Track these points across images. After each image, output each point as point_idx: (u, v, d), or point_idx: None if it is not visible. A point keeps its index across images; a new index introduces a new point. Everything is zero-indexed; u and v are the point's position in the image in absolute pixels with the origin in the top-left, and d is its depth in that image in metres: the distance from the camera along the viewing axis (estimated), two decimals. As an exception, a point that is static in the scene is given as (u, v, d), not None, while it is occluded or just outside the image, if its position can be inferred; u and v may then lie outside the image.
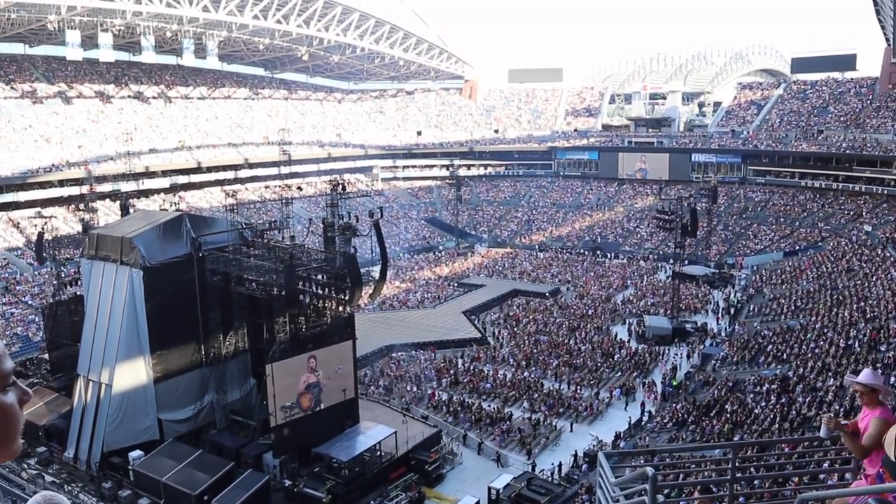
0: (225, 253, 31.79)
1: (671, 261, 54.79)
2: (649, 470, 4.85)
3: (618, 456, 15.56)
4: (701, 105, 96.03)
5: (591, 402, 36.66)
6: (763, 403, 30.49)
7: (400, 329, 49.07)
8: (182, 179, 70.20)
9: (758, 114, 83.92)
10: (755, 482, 18.90)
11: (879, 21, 70.29)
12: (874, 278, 44.48)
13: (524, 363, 42.22)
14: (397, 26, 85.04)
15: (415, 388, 39.07)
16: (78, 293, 38.72)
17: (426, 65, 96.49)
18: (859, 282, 44.94)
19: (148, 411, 30.97)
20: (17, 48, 72.24)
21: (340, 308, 31.23)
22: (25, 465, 30.97)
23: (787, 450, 10.77)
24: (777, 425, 27.49)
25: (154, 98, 79.20)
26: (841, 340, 34.85)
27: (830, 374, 31.19)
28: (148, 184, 66.77)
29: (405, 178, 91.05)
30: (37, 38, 69.78)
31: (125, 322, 30.47)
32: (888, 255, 48.26)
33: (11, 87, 68.17)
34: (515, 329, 49.25)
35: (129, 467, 29.08)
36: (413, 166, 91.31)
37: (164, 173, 69.07)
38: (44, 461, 31.50)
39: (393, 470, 29.92)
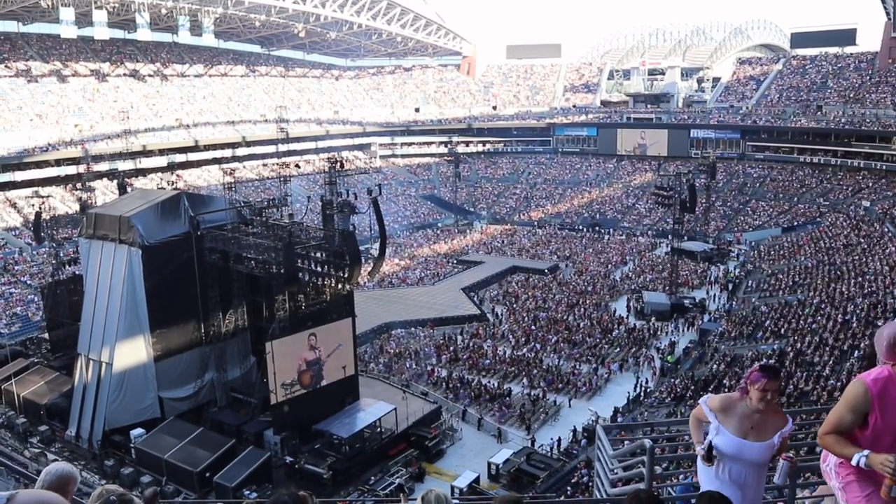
0: (223, 231, 31.76)
1: (670, 237, 54.84)
2: (647, 442, 4.89)
3: (616, 430, 15.68)
4: (700, 81, 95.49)
5: (590, 377, 36.85)
6: (761, 378, 30.56)
7: (399, 306, 49.17)
8: (179, 158, 69.88)
9: (757, 89, 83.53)
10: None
11: (880, -6, 69.76)
12: (872, 253, 44.56)
13: (523, 339, 42.36)
14: (395, 2, 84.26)
15: (414, 365, 39.24)
16: (77, 272, 38.73)
17: (424, 41, 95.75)
18: (857, 257, 45.03)
19: (148, 389, 31.11)
20: (10, 26, 71.49)
21: (340, 286, 31.31)
22: (28, 444, 31.16)
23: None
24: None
25: (150, 76, 78.63)
26: (839, 315, 34.99)
27: (828, 348, 31.35)
28: (145, 162, 66.51)
29: (403, 156, 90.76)
30: (30, 16, 69.05)
31: (125, 301, 30.51)
32: (886, 230, 48.30)
33: (6, 66, 67.57)
34: (514, 306, 49.35)
35: (131, 445, 29.29)
36: (411, 143, 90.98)
37: (162, 152, 68.75)
38: (46, 440, 31.68)
39: (393, 446, 30.11)
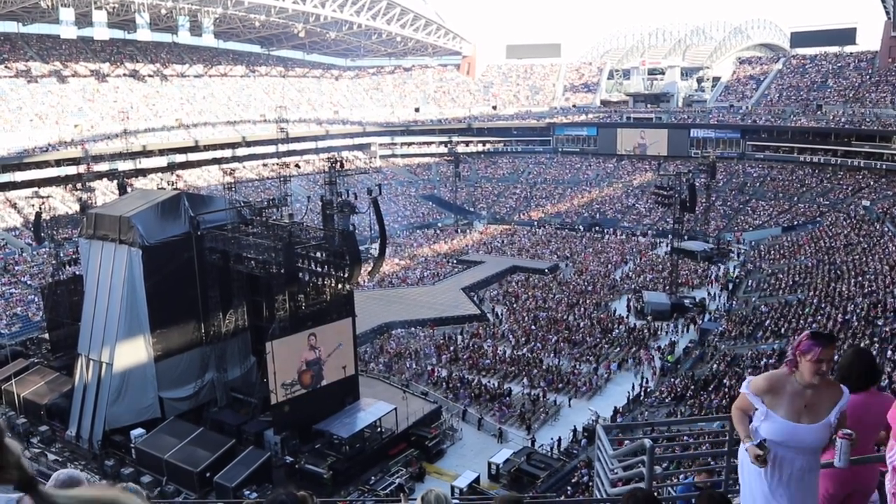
0: (223, 231, 31.76)
1: (670, 236, 54.81)
2: (647, 441, 4.89)
3: (616, 429, 15.71)
4: (700, 80, 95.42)
5: (590, 377, 36.85)
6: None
7: (399, 306, 49.17)
8: (179, 158, 69.87)
9: (757, 89, 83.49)
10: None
11: (880, -6, 69.69)
12: (872, 253, 44.57)
13: (523, 339, 42.37)
14: (394, 2, 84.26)
15: (414, 365, 39.24)
16: (77, 273, 38.73)
17: (424, 41, 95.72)
18: (857, 257, 45.03)
19: (149, 389, 31.11)
20: (10, 27, 71.46)
21: (340, 286, 31.30)
22: (28, 444, 31.15)
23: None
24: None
25: (150, 76, 78.60)
26: (839, 315, 34.99)
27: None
28: (145, 163, 66.50)
29: (403, 156, 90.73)
30: (30, 17, 69.04)
31: (125, 301, 30.52)
32: (886, 229, 48.31)
33: (5, 67, 67.55)
34: (514, 305, 49.36)
35: (131, 445, 29.30)
36: (411, 143, 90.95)
37: (162, 152, 68.74)
38: (46, 440, 31.70)
39: (393, 446, 30.14)
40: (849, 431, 3.65)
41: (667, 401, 32.16)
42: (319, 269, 31.27)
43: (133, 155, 63.65)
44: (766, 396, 3.66)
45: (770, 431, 3.60)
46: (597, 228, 71.24)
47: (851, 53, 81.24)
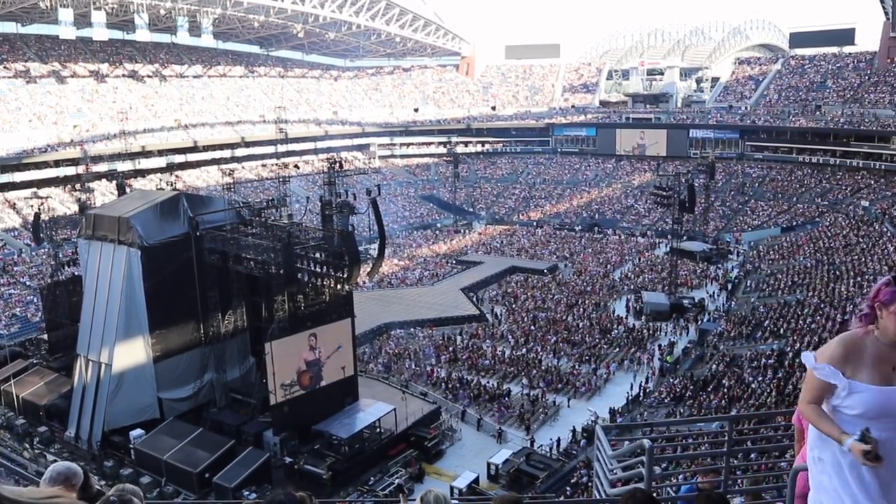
0: (223, 232, 31.75)
1: (669, 237, 54.81)
2: (646, 442, 4.88)
3: (616, 430, 15.69)
4: (699, 81, 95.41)
5: (590, 378, 36.83)
6: (760, 378, 30.68)
7: (398, 307, 49.15)
8: (178, 159, 69.91)
9: (756, 89, 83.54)
10: (751, 455, 19.05)
11: (879, -6, 69.74)
12: (871, 253, 44.61)
13: (522, 340, 42.34)
14: (393, 2, 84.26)
15: (413, 366, 39.21)
16: (76, 273, 38.70)
17: (423, 41, 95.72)
18: (856, 257, 45.05)
19: (148, 390, 31.09)
20: (9, 27, 71.45)
21: (339, 286, 31.30)
22: (27, 445, 31.13)
23: (783, 423, 10.80)
24: (774, 399, 27.70)
25: (149, 77, 78.58)
26: (838, 315, 35.00)
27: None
28: (144, 163, 66.48)
29: (402, 156, 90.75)
30: (29, 17, 69.03)
31: (124, 302, 30.50)
32: (885, 230, 48.33)
33: (4, 67, 67.51)
34: (514, 306, 49.33)
35: (131, 446, 29.28)
36: (410, 144, 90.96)
37: (161, 153, 68.73)
38: (45, 441, 31.65)
39: (393, 446, 30.12)
40: None
41: (666, 401, 32.17)
42: (318, 270, 31.27)
43: (132, 155, 63.62)
44: (846, 367, 2.87)
45: (858, 405, 2.82)
46: (596, 229, 71.22)
47: (850, 54, 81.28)
